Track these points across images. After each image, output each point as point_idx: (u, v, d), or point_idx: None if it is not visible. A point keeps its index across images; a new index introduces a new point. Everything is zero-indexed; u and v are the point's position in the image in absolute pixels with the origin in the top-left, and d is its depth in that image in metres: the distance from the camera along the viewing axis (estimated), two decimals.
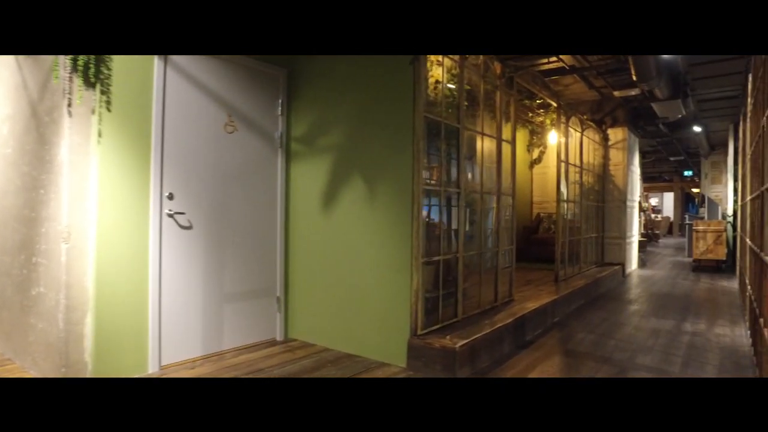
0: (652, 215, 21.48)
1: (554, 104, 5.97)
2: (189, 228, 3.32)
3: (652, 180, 22.25)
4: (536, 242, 7.89)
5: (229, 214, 3.58)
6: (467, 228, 3.91)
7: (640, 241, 9.98)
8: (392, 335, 3.31)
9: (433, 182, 3.58)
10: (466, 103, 3.79)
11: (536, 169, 8.65)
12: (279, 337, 3.92)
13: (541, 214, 8.36)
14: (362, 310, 3.52)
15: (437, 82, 3.58)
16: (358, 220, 3.54)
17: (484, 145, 4.16)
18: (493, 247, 4.22)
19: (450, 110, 3.72)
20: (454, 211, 3.69)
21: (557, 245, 5.84)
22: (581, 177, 6.77)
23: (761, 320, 2.65)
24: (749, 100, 4.39)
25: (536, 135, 8.41)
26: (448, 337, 3.22)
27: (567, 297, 5.06)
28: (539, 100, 6.33)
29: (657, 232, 19.21)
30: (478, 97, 4.02)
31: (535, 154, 8.51)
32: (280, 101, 3.90)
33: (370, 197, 3.48)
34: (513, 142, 4.53)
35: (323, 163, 3.78)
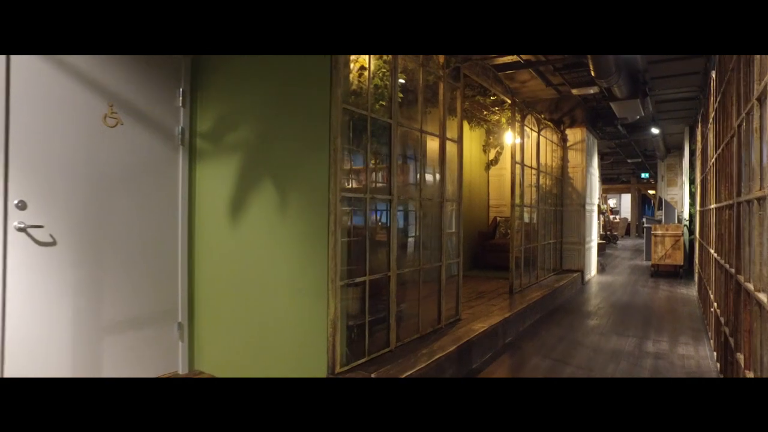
0: (611, 217, 21.69)
1: (508, 101, 5.53)
2: (51, 244, 2.64)
3: (611, 181, 22.51)
4: (492, 248, 7.46)
5: (110, 225, 2.91)
6: (403, 241, 3.37)
7: (598, 244, 9.75)
8: (307, 373, 2.73)
9: (357, 187, 3.02)
10: (401, 95, 3.25)
11: (493, 170, 8.24)
12: (182, 371, 3.28)
13: (498, 219, 7.95)
14: (275, 340, 2.92)
15: (362, 68, 3.02)
16: (269, 233, 2.95)
17: (426, 145, 3.64)
18: (436, 260, 3.70)
19: (382, 103, 3.17)
20: (385, 221, 3.14)
21: (511, 254, 5.39)
22: (538, 179, 6.37)
23: (739, 356, 2.22)
24: (712, 98, 4.03)
25: (493, 135, 8.00)
26: (374, 375, 2.67)
27: (521, 313, 4.61)
28: (493, 96, 5.89)
29: (615, 233, 19.37)
30: (416, 88, 3.49)
31: (492, 154, 8.10)
32: (181, 90, 3.26)
33: (281, 206, 2.89)
34: (459, 141, 4.03)
35: (233, 163, 3.16)
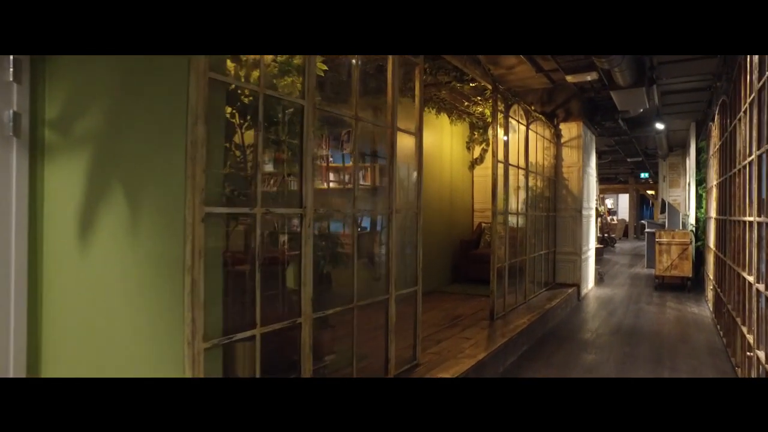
0: (608, 218, 20.83)
1: (489, 87, 4.60)
2: None
3: (608, 181, 21.65)
4: (476, 260, 6.53)
5: None
6: (327, 270, 2.44)
7: (597, 249, 8.85)
8: None
9: (239, 198, 2.07)
10: (324, 68, 2.32)
11: (478, 170, 7.31)
12: None
13: (483, 225, 7.03)
14: None
15: None
16: (120, 263, 2.01)
17: (370, 140, 2.72)
18: (382, 292, 2.77)
19: (292, 74, 2.24)
20: (296, 245, 2.20)
21: (492, 271, 4.47)
22: (527, 181, 5.45)
23: None
24: (748, 78, 3.12)
25: (477, 129, 7.07)
26: None
27: (502, 349, 3.68)
28: (473, 83, 4.96)
29: (613, 236, 18.49)
30: (352, 60, 2.56)
31: (477, 152, 7.18)
32: (11, 58, 2.31)
33: (132, 225, 1.96)
34: (419, 134, 3.09)
35: (86, 161, 2.23)
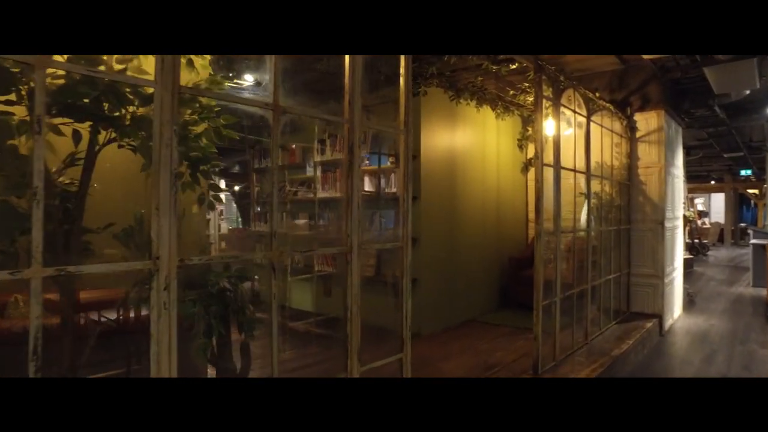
0: (699, 222, 18.30)
1: (530, 66, 3.52)
2: None
3: (698, 179, 19.05)
4: (529, 281, 5.36)
5: None
6: (212, 353, 1.55)
7: (684, 260, 7.28)
8: None
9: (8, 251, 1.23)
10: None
11: (532, 173, 6.13)
12: None
13: None
14: None
15: None
16: None
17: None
18: (336, 370, 1.84)
19: None
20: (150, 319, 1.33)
21: (536, 310, 3.39)
22: (589, 188, 4.28)
23: None
24: None
25: (531, 124, 5.92)
26: None
27: None
28: (513, 64, 3.89)
29: (705, 242, 16.15)
30: None
31: (531, 151, 6.01)
32: None
33: None
34: (406, 131, 2.12)
35: None
